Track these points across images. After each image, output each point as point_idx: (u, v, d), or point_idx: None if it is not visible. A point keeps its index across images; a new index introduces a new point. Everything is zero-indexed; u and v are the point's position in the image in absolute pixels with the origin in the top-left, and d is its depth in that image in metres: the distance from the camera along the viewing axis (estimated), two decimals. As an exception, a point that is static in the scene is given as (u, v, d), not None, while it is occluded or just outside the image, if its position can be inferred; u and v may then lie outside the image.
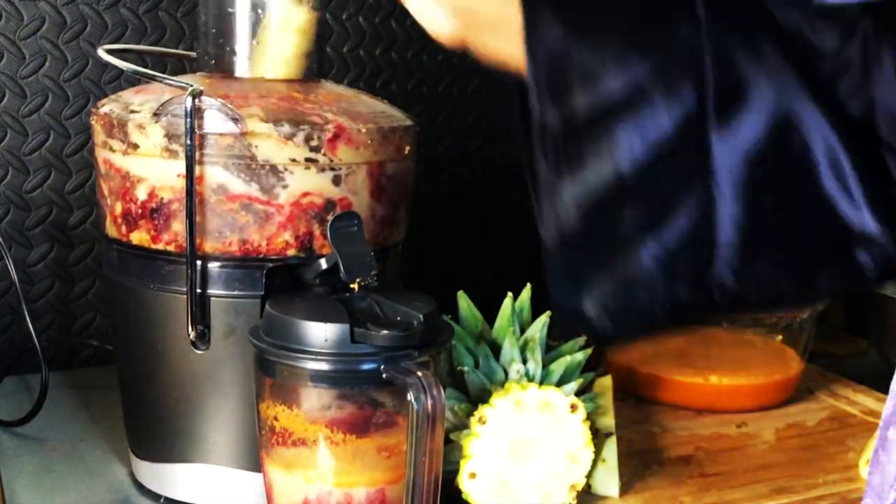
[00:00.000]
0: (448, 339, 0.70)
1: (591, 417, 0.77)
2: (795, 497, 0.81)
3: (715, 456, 0.89)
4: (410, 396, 0.62)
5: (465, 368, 0.77)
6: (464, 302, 0.81)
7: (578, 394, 0.77)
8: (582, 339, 0.81)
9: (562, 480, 0.75)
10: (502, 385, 0.76)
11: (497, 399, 0.74)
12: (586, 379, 0.80)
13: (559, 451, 0.75)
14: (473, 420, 0.74)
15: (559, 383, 0.77)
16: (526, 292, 0.82)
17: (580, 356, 0.80)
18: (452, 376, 0.78)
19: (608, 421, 0.81)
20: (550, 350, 0.81)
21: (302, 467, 0.66)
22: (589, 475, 0.76)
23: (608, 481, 0.79)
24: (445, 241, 1.18)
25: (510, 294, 0.81)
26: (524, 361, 0.77)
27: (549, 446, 0.75)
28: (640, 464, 0.86)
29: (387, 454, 0.66)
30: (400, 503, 0.65)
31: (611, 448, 0.80)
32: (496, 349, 0.78)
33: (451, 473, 0.73)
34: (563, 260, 0.59)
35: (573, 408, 0.75)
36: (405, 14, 1.17)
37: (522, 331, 0.80)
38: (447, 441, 0.74)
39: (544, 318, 0.80)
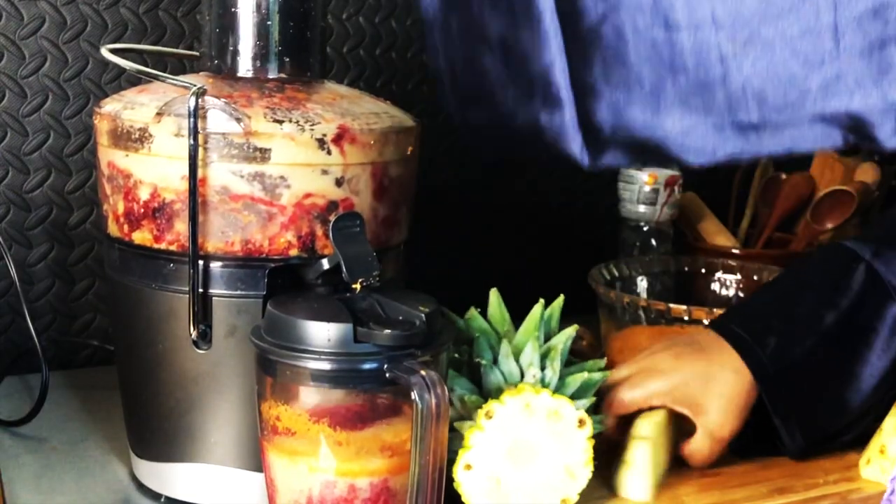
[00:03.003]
0: (449, 338, 0.70)
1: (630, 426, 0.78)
2: (795, 497, 0.81)
3: (715, 456, 0.89)
4: (415, 395, 0.62)
5: (484, 362, 0.77)
6: (495, 299, 0.81)
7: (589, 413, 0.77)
8: (603, 361, 0.82)
9: (554, 492, 0.75)
10: (516, 386, 0.76)
11: (508, 397, 0.74)
12: (597, 399, 0.80)
13: (558, 462, 0.75)
14: (480, 412, 0.73)
15: (572, 397, 0.77)
16: (558, 302, 0.82)
17: (598, 376, 0.80)
18: (469, 368, 0.78)
19: (645, 429, 0.81)
20: (570, 365, 0.81)
21: (305, 462, 0.66)
22: (617, 478, 0.78)
23: (638, 484, 0.80)
24: (446, 242, 1.18)
25: (542, 301, 0.81)
26: (542, 368, 0.77)
27: (550, 456, 0.74)
28: (640, 464, 0.86)
29: (390, 453, 0.66)
30: (403, 491, 0.66)
31: (643, 451, 0.80)
32: (516, 351, 0.78)
33: (448, 462, 0.73)
34: None
35: (581, 423, 0.75)
36: (405, 14, 1.18)
37: (547, 338, 0.80)
38: (450, 429, 0.74)
39: (571, 331, 0.80)
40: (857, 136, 0.57)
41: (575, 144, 0.61)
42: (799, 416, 0.85)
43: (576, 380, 0.78)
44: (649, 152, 0.61)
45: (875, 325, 0.86)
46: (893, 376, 0.86)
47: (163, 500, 0.77)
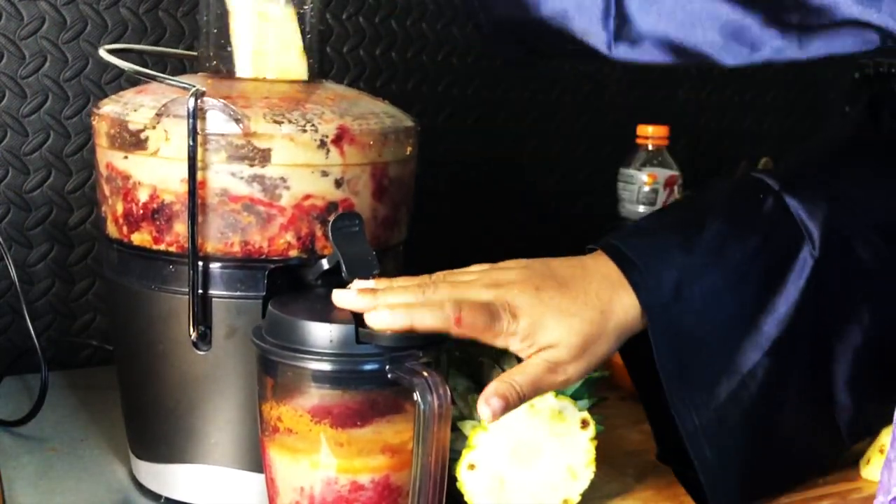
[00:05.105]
0: (450, 338, 0.70)
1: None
2: (795, 497, 0.81)
3: (715, 456, 0.89)
4: (417, 396, 0.62)
5: (486, 361, 0.77)
6: None
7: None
8: None
9: (556, 492, 0.75)
10: None
11: None
12: (598, 399, 0.80)
13: (561, 463, 0.75)
14: None
15: (572, 397, 0.77)
16: None
17: (596, 375, 0.80)
18: (469, 366, 0.78)
19: None
20: None
21: (307, 459, 0.66)
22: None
23: None
24: (445, 242, 1.18)
25: None
26: None
27: (552, 456, 0.75)
28: (640, 464, 0.86)
29: (391, 452, 0.66)
30: (405, 488, 0.66)
31: None
32: None
33: (450, 461, 0.73)
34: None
35: (584, 424, 0.75)
36: (405, 14, 1.18)
37: None
38: (452, 428, 0.74)
39: None
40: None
41: (601, 36, 0.58)
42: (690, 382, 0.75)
43: (575, 380, 0.78)
44: (682, 52, 0.59)
45: (783, 270, 0.76)
46: (796, 331, 0.76)
47: (162, 500, 0.77)
